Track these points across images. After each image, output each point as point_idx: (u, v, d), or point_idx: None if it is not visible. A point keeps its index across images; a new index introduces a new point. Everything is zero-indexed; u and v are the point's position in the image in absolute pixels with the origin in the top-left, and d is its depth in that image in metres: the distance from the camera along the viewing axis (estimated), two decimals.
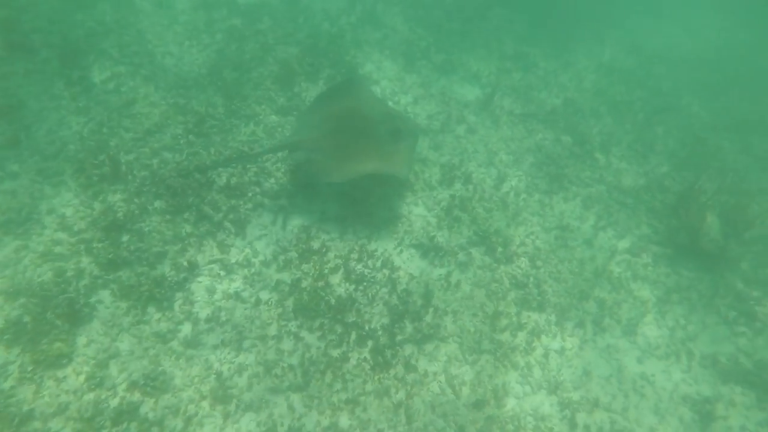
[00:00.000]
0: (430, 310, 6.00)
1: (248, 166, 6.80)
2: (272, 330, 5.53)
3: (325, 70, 8.72)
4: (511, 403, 5.50)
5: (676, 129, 9.88)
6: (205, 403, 4.81)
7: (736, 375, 6.30)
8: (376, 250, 6.46)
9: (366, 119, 6.45)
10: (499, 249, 6.74)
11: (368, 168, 6.04)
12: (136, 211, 5.90)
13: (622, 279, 7.00)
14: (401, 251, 6.55)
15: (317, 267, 6.05)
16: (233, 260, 6.01)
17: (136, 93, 7.24)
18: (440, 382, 5.48)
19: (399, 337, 5.70)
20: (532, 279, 6.54)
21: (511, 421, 5.34)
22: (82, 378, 4.68)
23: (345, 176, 6.05)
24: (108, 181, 6.09)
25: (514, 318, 6.17)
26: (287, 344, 5.44)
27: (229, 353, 5.24)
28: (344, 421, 5.01)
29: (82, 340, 4.93)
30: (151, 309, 5.30)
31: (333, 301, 5.79)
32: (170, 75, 7.68)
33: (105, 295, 5.26)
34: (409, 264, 6.44)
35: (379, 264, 6.32)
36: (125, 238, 5.70)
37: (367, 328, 5.69)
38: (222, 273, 5.86)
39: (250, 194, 6.65)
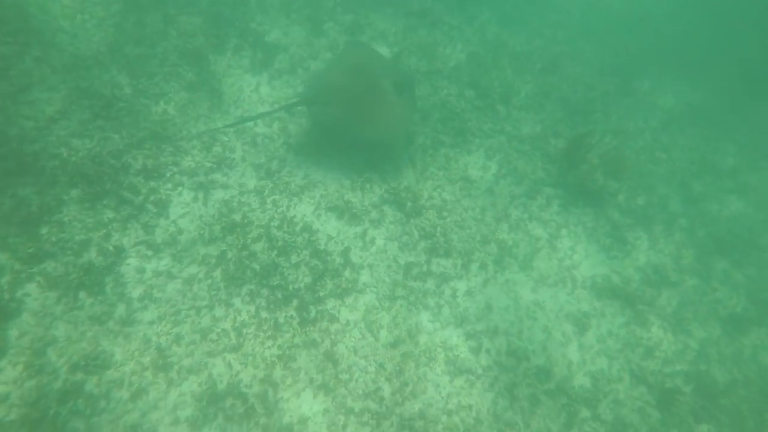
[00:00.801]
0: (348, 266, 6.69)
1: (163, 146, 6.97)
2: (204, 301, 6.02)
3: (232, 39, 8.75)
4: (423, 339, 6.42)
5: (569, 77, 10.82)
6: (147, 373, 5.32)
7: (607, 291, 7.59)
8: (295, 216, 6.98)
9: (372, 75, 7.39)
10: (409, 204, 7.47)
11: (377, 128, 7.20)
12: (51, 202, 6.02)
13: (519, 221, 8.00)
14: (319, 215, 7.11)
15: (240, 238, 6.51)
16: (159, 240, 6.34)
17: (30, 77, 7.05)
18: (360, 328, 6.26)
19: (321, 293, 6.38)
20: (439, 229, 7.37)
21: (424, 354, 6.27)
22: (19, 368, 5.01)
23: (358, 133, 7.35)
24: (15, 174, 6.11)
25: (424, 266, 7.00)
26: (219, 311, 5.97)
27: (165, 326, 5.71)
28: (278, 372, 5.70)
29: (14, 333, 5.20)
30: (82, 295, 5.61)
31: (258, 268, 6.33)
32: (66, 55, 7.46)
33: (31, 288, 5.49)
34: (326, 226, 7.04)
35: (298, 229, 6.87)
36: (45, 230, 5.86)
37: (291, 288, 6.31)
38: (149, 253, 6.20)
39: (168, 174, 6.88)
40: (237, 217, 6.73)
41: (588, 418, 6.50)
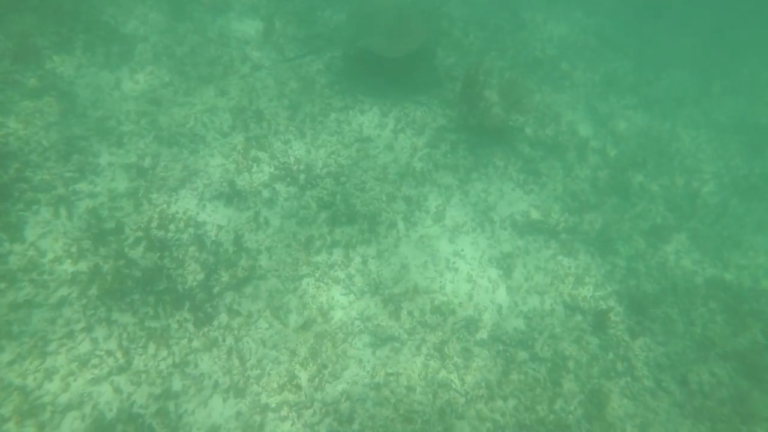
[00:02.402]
0: (243, 254, 6.18)
1: (7, 163, 6.19)
2: (80, 323, 5.37)
3: (80, 36, 7.92)
4: (338, 315, 6.03)
5: (459, 19, 10.60)
6: (11, 425, 4.66)
7: (528, 227, 7.44)
8: (177, 212, 6.39)
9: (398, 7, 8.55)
10: (302, 177, 7.01)
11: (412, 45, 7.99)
12: None
13: (425, 172, 7.71)
14: (204, 205, 6.55)
15: (115, 247, 5.87)
16: (15, 268, 5.61)
17: None
18: (266, 317, 5.80)
19: (216, 289, 5.86)
20: (338, 196, 6.97)
21: (340, 330, 5.89)
22: None
23: (399, 52, 7.93)
24: None
25: (327, 237, 6.59)
26: (100, 331, 5.35)
27: (31, 363, 5.03)
28: (176, 383, 5.16)
29: None
30: None
31: (140, 275, 5.73)
32: None
33: None
34: (214, 216, 6.49)
35: (182, 225, 6.30)
36: None
37: (181, 289, 5.76)
38: (3, 286, 5.47)
39: (17, 194, 6.11)
40: (109, 225, 6.07)
41: (526, 359, 6.35)
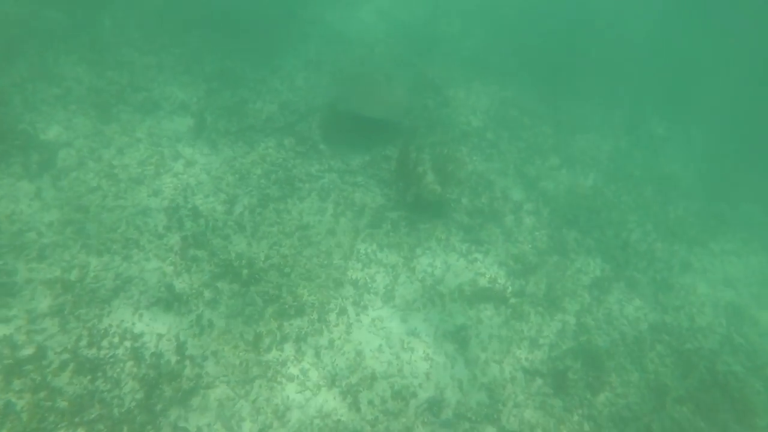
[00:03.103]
0: (187, 362, 5.78)
1: None
2: None
3: None
4: (295, 415, 5.67)
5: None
6: None
7: (478, 296, 7.52)
8: (110, 326, 5.94)
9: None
10: (245, 271, 6.80)
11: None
12: None
13: (369, 253, 7.72)
14: (141, 315, 6.14)
15: (35, 377, 5.30)
16: None
17: None
18: (216, 429, 5.34)
19: (159, 406, 5.38)
20: (284, 288, 6.79)
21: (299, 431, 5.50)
22: None
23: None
24: None
25: (277, 333, 6.33)
26: None
27: None
28: None
29: None
30: None
31: (66, 405, 5.16)
32: None
33: None
34: (153, 324, 6.09)
35: (117, 340, 5.84)
36: None
37: (117, 413, 5.23)
38: None
39: None
40: (27, 352, 5.51)
41: None
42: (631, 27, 21.08)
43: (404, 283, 7.52)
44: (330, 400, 5.93)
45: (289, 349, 6.23)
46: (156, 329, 6.07)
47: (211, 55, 10.85)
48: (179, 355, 5.86)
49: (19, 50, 9.38)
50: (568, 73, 15.43)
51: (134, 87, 9.44)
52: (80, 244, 6.73)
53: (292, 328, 6.42)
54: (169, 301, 6.34)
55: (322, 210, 8.16)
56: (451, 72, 13.33)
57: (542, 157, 11.26)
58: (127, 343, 5.85)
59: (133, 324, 6.04)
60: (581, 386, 7.03)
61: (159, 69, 9.98)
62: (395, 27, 15.34)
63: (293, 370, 6.05)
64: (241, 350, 6.05)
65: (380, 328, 6.84)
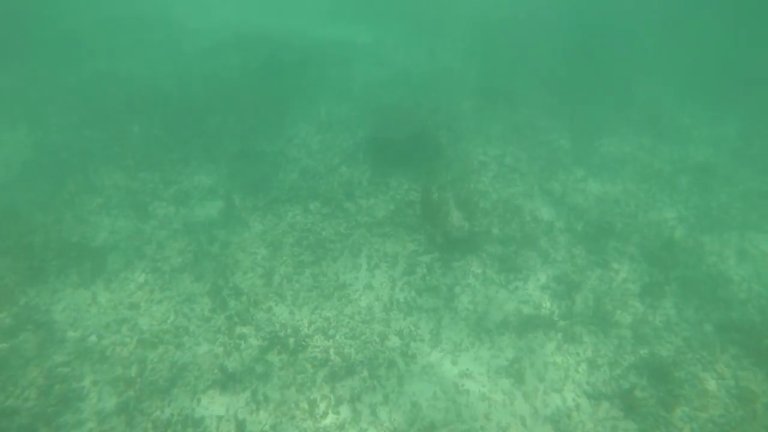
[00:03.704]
0: None
1: None
2: None
3: (52, 263, 8.21)
4: None
5: (402, 145, 11.46)
6: None
7: (525, 326, 7.41)
8: (171, 415, 6.18)
9: None
10: (291, 340, 6.98)
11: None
12: None
13: (409, 301, 7.78)
14: (198, 399, 6.37)
15: None
16: None
17: None
18: None
19: None
20: (332, 350, 6.90)
21: None
22: None
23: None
24: None
25: (331, 396, 6.41)
26: None
27: None
28: None
29: None
30: None
31: None
32: None
33: None
34: (211, 407, 6.29)
35: (180, 428, 6.06)
36: None
37: None
38: None
39: None
40: None
41: None
42: (631, 18, 21.01)
43: (448, 325, 7.50)
44: None
45: (345, 410, 6.28)
46: (215, 411, 6.26)
47: (230, 138, 11.53)
48: (238, 430, 6.00)
49: (67, 170, 10.31)
50: (574, 81, 15.46)
51: (165, 182, 10.11)
52: (136, 339, 7.11)
53: (345, 389, 6.48)
54: (224, 382, 6.56)
55: (357, 266, 8.34)
56: (459, 105, 13.59)
57: (566, 172, 11.17)
58: (190, 431, 6.05)
59: (193, 410, 6.26)
60: (652, 404, 6.70)
61: (185, 162, 10.67)
62: (397, 73, 15.88)
63: (351, 431, 6.07)
64: (298, 420, 6.14)
65: (431, 374, 6.81)
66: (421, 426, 6.18)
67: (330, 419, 6.19)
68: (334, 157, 11.02)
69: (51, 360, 6.84)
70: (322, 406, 6.31)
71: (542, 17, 22.01)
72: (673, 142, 12.91)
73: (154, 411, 6.26)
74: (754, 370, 7.14)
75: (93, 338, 7.18)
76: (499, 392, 6.66)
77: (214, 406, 6.33)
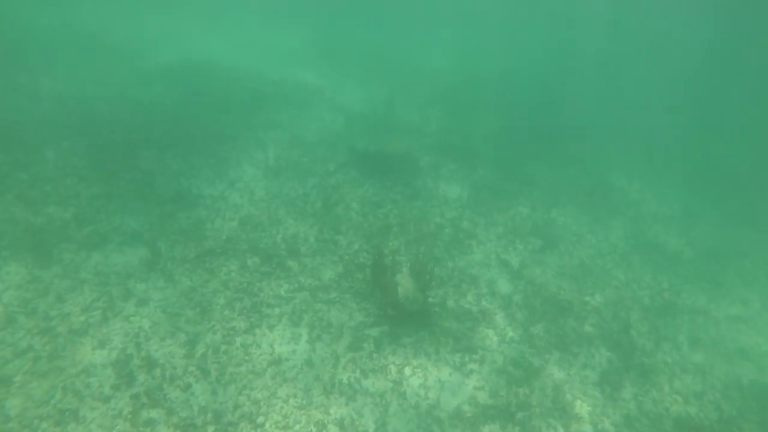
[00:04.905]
0: None
1: None
2: None
3: None
4: None
5: (354, 201, 10.81)
6: None
7: (480, 417, 6.71)
8: None
9: None
10: (211, 429, 5.87)
11: None
12: None
13: (353, 382, 6.90)
14: None
15: None
16: None
17: None
18: None
19: None
20: None
21: None
22: None
23: None
24: None
25: None
26: None
27: None
28: None
29: None
30: None
31: None
32: None
33: None
34: None
35: None
36: None
37: None
38: None
39: None
40: None
41: None
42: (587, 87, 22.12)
43: (396, 414, 6.67)
44: None
45: None
46: None
47: (164, 176, 10.43)
48: None
49: None
50: (533, 143, 15.69)
51: (79, 221, 8.81)
52: None
53: None
54: None
55: (296, 337, 7.40)
56: (417, 161, 13.26)
57: (523, 241, 10.90)
58: None
59: None
60: None
61: (108, 198, 9.43)
62: (353, 120, 15.46)
63: None
64: None
65: None
66: None
67: None
68: (279, 208, 10.17)
69: None
70: None
71: (505, 77, 22.77)
72: (625, 218, 13.11)
73: None
74: None
75: None
76: None
77: None
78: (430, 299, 8.36)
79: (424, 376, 7.25)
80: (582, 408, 7.38)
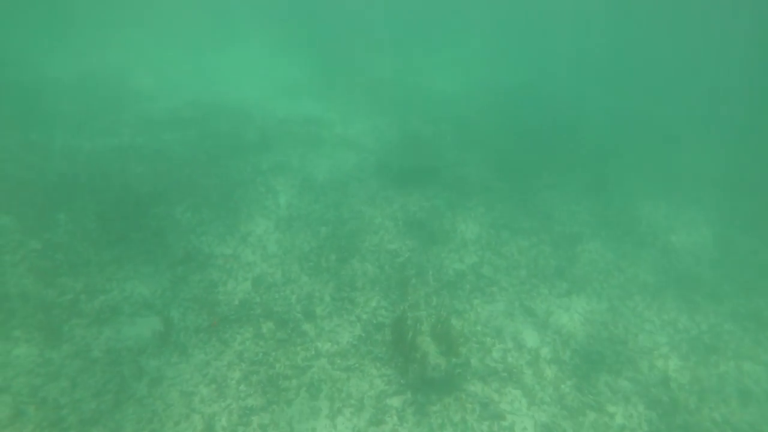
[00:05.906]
0: None
1: None
2: None
3: None
4: None
5: (369, 253, 10.61)
6: None
7: None
8: None
9: None
10: None
11: None
12: None
13: None
14: None
15: None
16: None
17: None
18: None
19: None
20: None
21: None
22: None
23: None
24: None
25: None
26: None
27: None
28: None
29: None
30: None
31: None
32: None
33: None
34: None
35: None
36: None
37: None
38: None
39: None
40: None
41: None
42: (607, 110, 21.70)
43: None
44: None
45: None
46: None
47: (174, 234, 10.37)
48: None
49: None
50: (550, 171, 15.38)
51: (90, 292, 8.75)
52: None
53: None
54: None
55: (315, 412, 7.17)
56: (432, 200, 13.04)
57: (548, 285, 10.57)
58: None
59: None
60: None
61: (118, 264, 9.39)
62: (366, 158, 15.35)
63: None
64: None
65: None
66: None
67: None
68: (293, 264, 10.02)
69: None
70: None
71: (518, 97, 22.54)
72: (655, 250, 12.67)
73: None
74: None
75: None
76: None
77: None
78: (454, 360, 8.08)
79: None
80: None
